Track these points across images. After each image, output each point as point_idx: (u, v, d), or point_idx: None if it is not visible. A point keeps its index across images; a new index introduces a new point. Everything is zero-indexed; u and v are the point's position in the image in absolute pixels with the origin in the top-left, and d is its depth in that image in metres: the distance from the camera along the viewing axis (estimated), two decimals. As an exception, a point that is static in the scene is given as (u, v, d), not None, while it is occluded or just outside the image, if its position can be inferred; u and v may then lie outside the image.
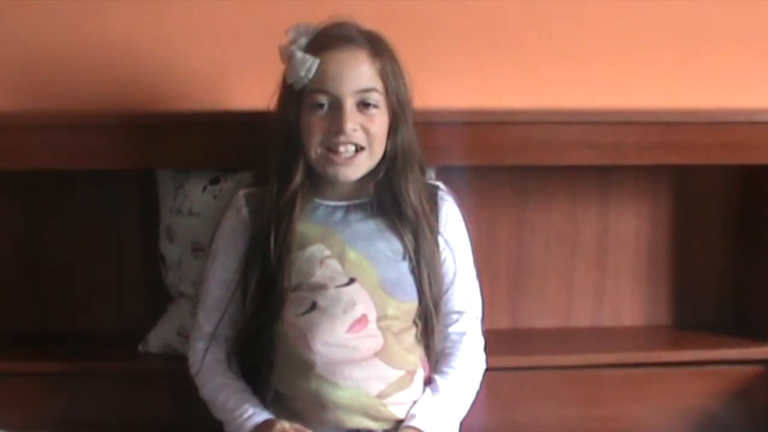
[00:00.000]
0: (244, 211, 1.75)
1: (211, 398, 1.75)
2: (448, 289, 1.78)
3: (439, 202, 1.79)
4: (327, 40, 1.69)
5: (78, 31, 2.04)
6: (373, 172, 1.73)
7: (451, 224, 1.79)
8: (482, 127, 1.95)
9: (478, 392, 1.79)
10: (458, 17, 2.08)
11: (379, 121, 1.69)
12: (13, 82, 2.05)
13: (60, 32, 2.04)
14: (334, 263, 1.70)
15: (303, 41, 1.69)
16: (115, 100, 2.03)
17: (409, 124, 1.74)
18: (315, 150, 1.68)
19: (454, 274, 1.78)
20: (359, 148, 1.68)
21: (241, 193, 1.78)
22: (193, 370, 1.78)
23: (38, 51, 2.04)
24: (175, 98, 2.04)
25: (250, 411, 1.68)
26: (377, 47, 1.70)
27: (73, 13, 2.03)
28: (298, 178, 1.70)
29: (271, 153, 1.73)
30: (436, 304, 1.75)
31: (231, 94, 2.02)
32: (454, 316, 1.79)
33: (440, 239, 1.76)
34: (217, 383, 1.75)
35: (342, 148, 1.67)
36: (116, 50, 2.04)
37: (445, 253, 1.77)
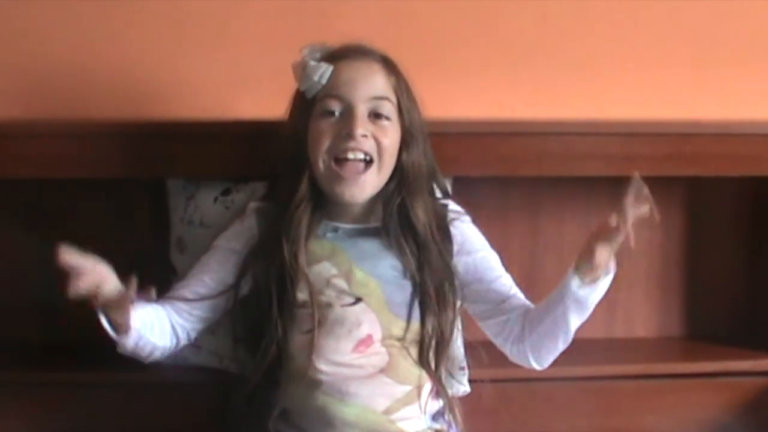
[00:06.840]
0: (253, 219, 1.74)
1: None
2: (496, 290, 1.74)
3: (451, 227, 1.75)
4: (342, 51, 1.69)
5: (89, 40, 2.05)
6: (382, 194, 1.70)
7: (469, 243, 1.76)
8: (495, 138, 1.94)
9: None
10: (471, 29, 2.09)
11: (391, 133, 1.66)
12: (22, 90, 2.05)
13: (71, 41, 2.05)
14: (340, 282, 1.68)
15: (317, 55, 1.67)
16: (126, 109, 2.04)
17: (421, 148, 1.70)
18: (322, 159, 1.64)
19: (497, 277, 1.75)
20: (368, 161, 1.65)
21: (252, 205, 1.77)
22: None
23: (48, 59, 2.05)
24: (187, 107, 2.04)
25: None
26: (392, 66, 1.70)
27: (84, 22, 2.04)
28: (302, 189, 1.66)
29: (279, 167, 1.71)
30: (443, 327, 1.70)
31: (243, 103, 2.02)
32: (513, 301, 1.74)
33: (459, 261, 1.74)
34: None
35: (351, 155, 1.63)
36: (127, 59, 2.05)
37: (470, 268, 1.74)
